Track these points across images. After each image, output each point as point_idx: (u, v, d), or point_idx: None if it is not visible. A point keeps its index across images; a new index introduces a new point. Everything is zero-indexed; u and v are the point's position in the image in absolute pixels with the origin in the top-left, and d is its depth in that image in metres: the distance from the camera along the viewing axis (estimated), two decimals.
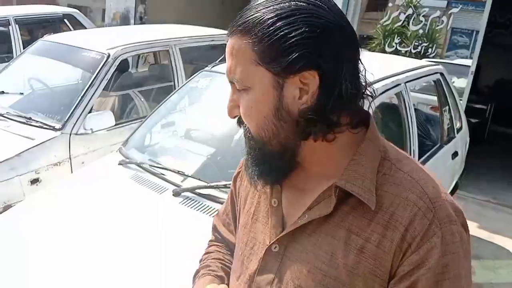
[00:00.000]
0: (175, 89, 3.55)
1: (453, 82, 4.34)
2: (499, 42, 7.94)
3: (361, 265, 0.76)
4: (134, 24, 8.12)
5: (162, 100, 2.94)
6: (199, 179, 2.15)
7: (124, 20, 8.29)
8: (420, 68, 3.16)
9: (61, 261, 1.70)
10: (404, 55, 6.75)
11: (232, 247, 1.05)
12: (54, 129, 2.99)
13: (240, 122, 0.86)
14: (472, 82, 5.55)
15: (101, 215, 1.98)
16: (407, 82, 2.79)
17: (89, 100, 3.13)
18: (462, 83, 5.88)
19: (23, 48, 4.82)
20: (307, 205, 0.83)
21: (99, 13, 11.04)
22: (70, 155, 2.98)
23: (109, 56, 3.30)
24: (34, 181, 2.75)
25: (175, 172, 2.21)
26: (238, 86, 0.81)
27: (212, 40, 4.31)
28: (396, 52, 6.92)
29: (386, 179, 0.79)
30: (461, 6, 7.16)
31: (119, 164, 2.37)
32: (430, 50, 6.98)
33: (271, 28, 0.75)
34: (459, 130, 3.67)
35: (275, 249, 0.85)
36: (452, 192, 3.77)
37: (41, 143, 2.85)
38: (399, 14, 7.09)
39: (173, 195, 2.05)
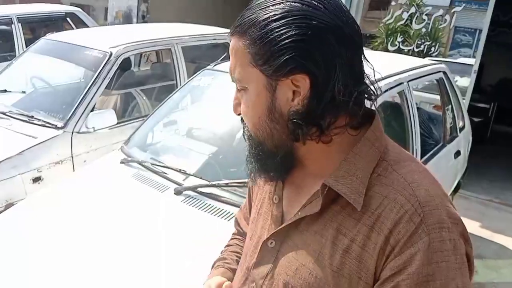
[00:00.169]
0: (177, 87, 3.56)
1: (456, 81, 4.33)
2: (502, 41, 7.91)
3: (346, 266, 0.75)
4: (137, 22, 8.12)
5: (164, 99, 2.94)
6: (200, 178, 2.15)
7: (126, 19, 8.30)
8: (422, 67, 3.15)
9: (62, 260, 1.70)
10: (406, 53, 6.74)
11: None
12: (56, 127, 2.99)
13: (243, 119, 0.87)
14: (475, 81, 5.53)
15: (103, 213, 1.98)
16: (410, 81, 2.79)
17: (91, 99, 3.13)
18: (465, 82, 5.87)
19: (26, 47, 4.83)
20: (303, 203, 0.83)
21: (102, 12, 11.07)
22: (72, 154, 2.98)
23: (111, 54, 3.30)
24: (36, 180, 2.75)
25: (177, 170, 2.21)
26: (238, 85, 0.82)
27: (214, 39, 4.31)
28: (399, 51, 6.92)
29: (379, 180, 0.77)
30: (464, 4, 7.15)
31: (121, 162, 2.37)
32: (433, 48, 6.98)
33: (263, 30, 0.75)
34: (461, 129, 3.66)
35: (271, 245, 0.86)
36: (455, 191, 3.77)
37: (43, 142, 2.86)
38: (402, 12, 7.08)
39: (174, 193, 2.05)
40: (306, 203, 0.82)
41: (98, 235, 1.83)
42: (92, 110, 3.13)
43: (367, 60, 0.81)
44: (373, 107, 0.85)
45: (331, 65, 0.74)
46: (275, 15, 0.74)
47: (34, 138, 2.88)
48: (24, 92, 3.66)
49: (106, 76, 3.22)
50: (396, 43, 7.11)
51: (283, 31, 0.73)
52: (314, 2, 0.75)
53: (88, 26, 6.01)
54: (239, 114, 0.86)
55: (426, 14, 6.95)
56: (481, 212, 4.53)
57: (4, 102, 3.36)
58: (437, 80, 3.40)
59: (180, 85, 3.61)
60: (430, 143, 3.28)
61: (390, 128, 2.94)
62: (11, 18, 5.33)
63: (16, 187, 2.64)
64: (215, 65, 2.89)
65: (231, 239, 1.19)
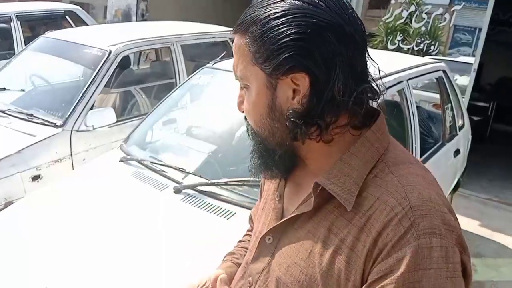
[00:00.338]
0: (176, 86, 3.55)
1: (456, 79, 4.33)
2: (502, 39, 7.91)
3: (335, 267, 0.75)
4: (136, 21, 8.11)
5: (163, 97, 2.94)
6: (200, 176, 2.14)
7: (125, 17, 8.29)
8: (422, 65, 3.14)
9: (61, 258, 1.70)
10: (406, 52, 6.74)
11: None
12: (55, 125, 2.98)
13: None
14: (474, 80, 5.54)
15: (102, 212, 1.98)
16: (409, 79, 2.78)
17: (91, 97, 3.13)
18: (464, 80, 5.86)
19: (25, 45, 4.81)
20: (301, 201, 0.84)
21: (101, 10, 11.04)
22: (71, 152, 2.98)
23: (110, 53, 3.29)
24: (35, 178, 2.75)
25: (176, 169, 2.20)
26: (240, 83, 0.83)
27: (214, 37, 4.29)
28: (399, 50, 6.92)
29: (374, 181, 0.76)
30: (463, 3, 7.15)
31: (120, 161, 2.36)
32: (432, 47, 6.98)
33: (264, 28, 0.74)
34: (461, 128, 3.66)
35: (269, 241, 0.87)
36: (454, 190, 3.77)
37: (42, 140, 2.85)
38: (402, 11, 7.08)
39: (174, 192, 2.05)
40: (302, 202, 0.83)
41: (97, 234, 1.82)
42: (91, 109, 3.12)
43: (371, 59, 0.80)
44: (377, 107, 0.85)
45: (331, 64, 0.73)
46: (275, 13, 0.74)
47: (33, 136, 2.87)
48: (23, 90, 3.66)
49: (105, 74, 3.22)
50: (396, 41, 7.12)
51: (283, 29, 0.73)
52: (316, 0, 0.74)
53: (87, 24, 6.00)
54: (243, 112, 0.86)
55: (425, 13, 6.95)
56: (481, 211, 4.53)
57: (3, 100, 3.35)
58: (436, 78, 3.40)
59: (180, 83, 3.60)
60: (430, 141, 3.27)
61: (389, 127, 2.92)
62: (10, 16, 5.31)
63: (15, 185, 2.64)
64: (214, 63, 2.89)
65: (244, 235, 1.21)
